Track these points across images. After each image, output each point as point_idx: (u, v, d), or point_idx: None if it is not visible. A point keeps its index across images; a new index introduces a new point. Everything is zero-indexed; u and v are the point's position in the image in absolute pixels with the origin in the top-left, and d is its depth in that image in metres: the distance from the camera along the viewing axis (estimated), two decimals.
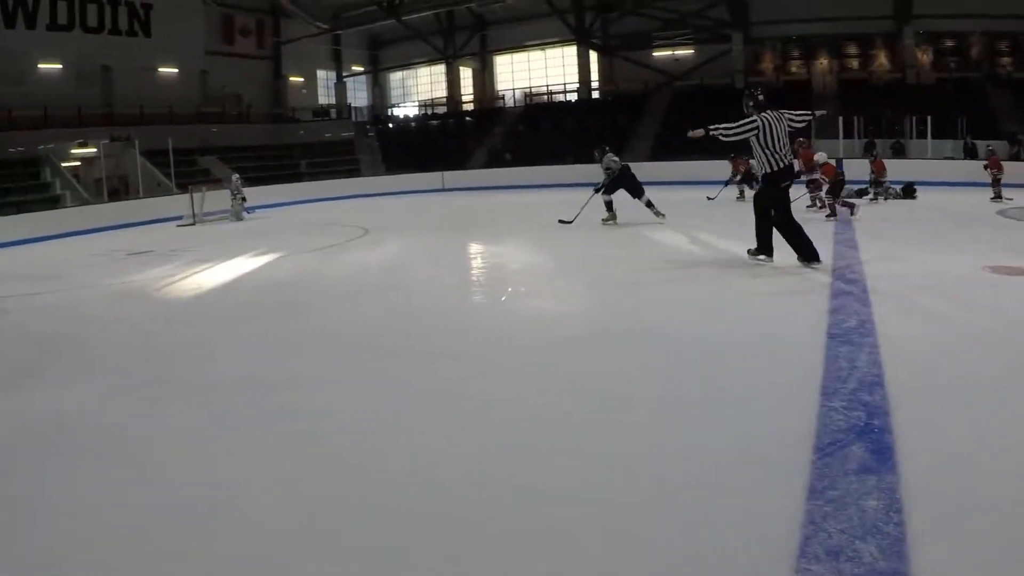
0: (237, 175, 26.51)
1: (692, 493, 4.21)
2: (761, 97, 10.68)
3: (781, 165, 10.38)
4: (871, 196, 20.88)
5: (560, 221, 13.91)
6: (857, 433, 4.72)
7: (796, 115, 10.85)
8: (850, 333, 7.12)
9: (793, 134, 10.80)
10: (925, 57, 35.04)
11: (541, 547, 3.76)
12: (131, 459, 5.28)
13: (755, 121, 10.39)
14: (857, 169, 24.38)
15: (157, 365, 7.90)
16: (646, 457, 4.75)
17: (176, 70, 38.10)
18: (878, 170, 21.00)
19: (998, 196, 19.85)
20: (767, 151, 10.36)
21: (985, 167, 20.82)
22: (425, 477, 4.64)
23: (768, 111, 10.49)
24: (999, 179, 20.15)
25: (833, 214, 16.80)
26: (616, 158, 18.03)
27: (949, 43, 35.11)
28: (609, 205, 17.65)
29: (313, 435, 5.56)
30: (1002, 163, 20.82)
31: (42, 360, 8.43)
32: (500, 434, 5.36)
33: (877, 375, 5.85)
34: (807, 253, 10.55)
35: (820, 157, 18.19)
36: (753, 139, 10.42)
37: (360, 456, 5.08)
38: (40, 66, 32.97)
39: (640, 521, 3.95)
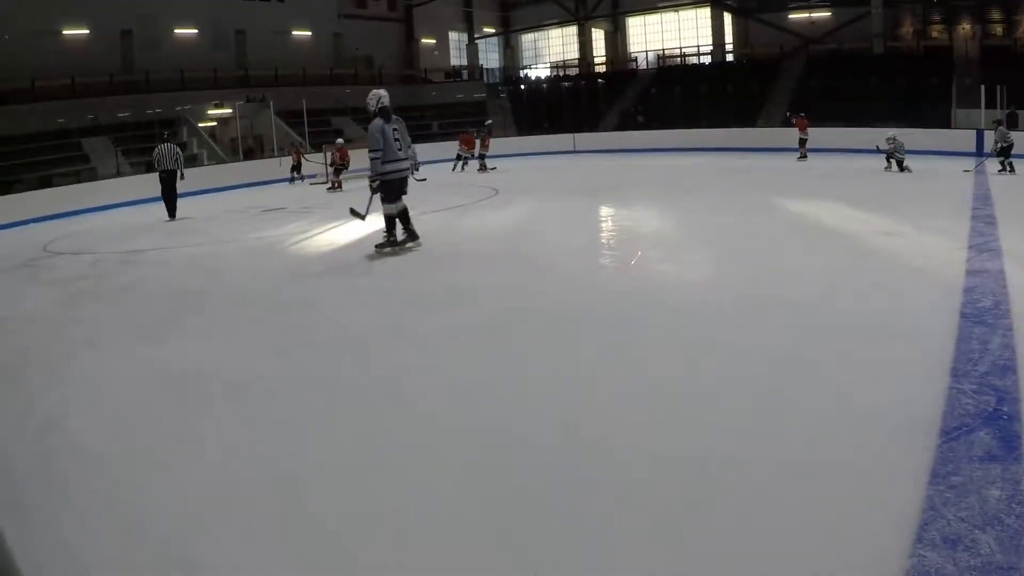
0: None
1: (813, 469, 4.20)
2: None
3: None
4: (1000, 167, 20.13)
5: (352, 211, 12.39)
6: (985, 419, 4.60)
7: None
8: (984, 314, 6.89)
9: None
10: None
11: (654, 514, 3.83)
12: (265, 409, 5.58)
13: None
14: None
15: (289, 318, 8.24)
16: (768, 430, 4.76)
17: (309, 33, 38.87)
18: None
19: (803, 156, 25.48)
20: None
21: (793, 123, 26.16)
22: (554, 441, 4.75)
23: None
24: (805, 140, 25.68)
25: None
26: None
27: None
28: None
29: (432, 392, 5.73)
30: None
31: (182, 312, 8.88)
32: (618, 396, 5.44)
33: (1010, 359, 5.65)
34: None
35: None
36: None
37: (482, 415, 5.22)
38: (176, 31, 34.02)
39: (757, 495, 3.97)
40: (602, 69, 47.28)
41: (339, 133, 32.56)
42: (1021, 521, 3.46)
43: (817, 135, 27.51)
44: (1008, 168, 20.05)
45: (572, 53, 49.60)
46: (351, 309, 8.64)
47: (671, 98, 38.01)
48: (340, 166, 23.33)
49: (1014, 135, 20.78)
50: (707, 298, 8.32)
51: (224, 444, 4.98)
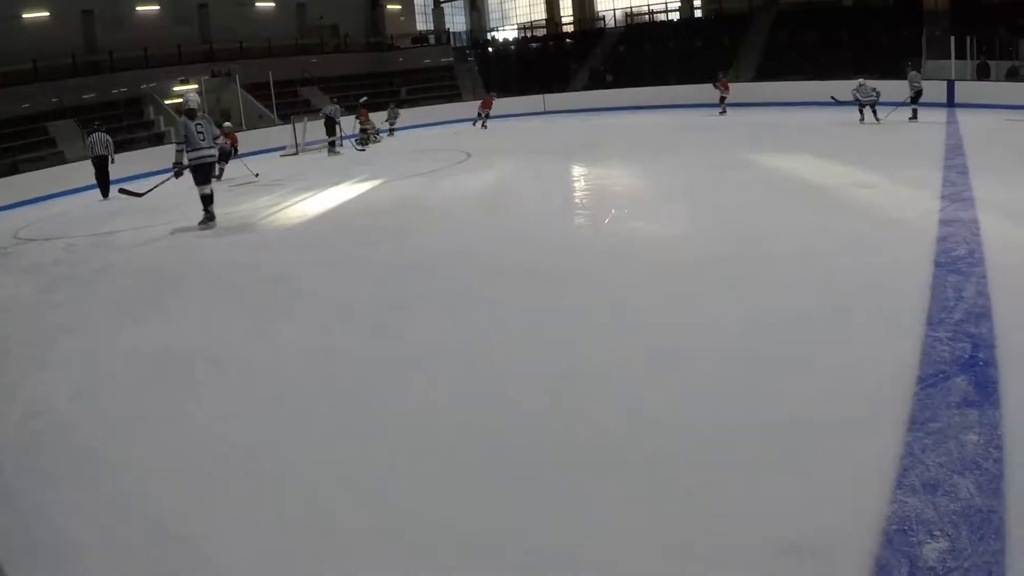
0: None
1: (793, 420, 4.28)
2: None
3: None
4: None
5: (122, 191, 14.13)
6: (961, 365, 4.69)
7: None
8: (958, 262, 6.98)
9: None
10: None
11: (641, 472, 3.90)
12: (248, 383, 5.61)
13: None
14: (972, 91, 23.72)
15: (270, 292, 8.25)
16: (750, 383, 4.83)
17: (273, 4, 38.34)
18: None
19: (724, 112, 27.33)
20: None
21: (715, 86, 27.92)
22: (538, 404, 4.80)
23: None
24: (725, 98, 27.74)
25: None
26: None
27: None
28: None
29: (417, 358, 5.78)
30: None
31: (160, 291, 8.84)
32: (600, 355, 5.52)
33: (984, 307, 5.76)
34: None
35: None
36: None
37: (462, 377, 5.27)
38: (138, 8, 33.52)
39: (741, 448, 4.05)
40: (570, 29, 47.00)
41: (306, 104, 32.37)
42: (999, 465, 3.54)
43: (789, 89, 27.68)
44: (913, 115, 20.62)
45: (539, 14, 49.29)
46: (330, 280, 8.64)
47: (640, 56, 37.81)
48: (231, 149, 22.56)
49: (986, 84, 20.89)
50: (684, 255, 8.39)
51: (211, 421, 5.00)
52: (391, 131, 29.51)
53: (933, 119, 20.43)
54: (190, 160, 12.67)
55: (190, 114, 12.79)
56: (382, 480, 4.03)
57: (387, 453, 4.31)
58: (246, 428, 4.82)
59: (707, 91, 28.88)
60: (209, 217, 12.79)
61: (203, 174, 12.79)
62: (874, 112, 20.53)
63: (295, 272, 9.14)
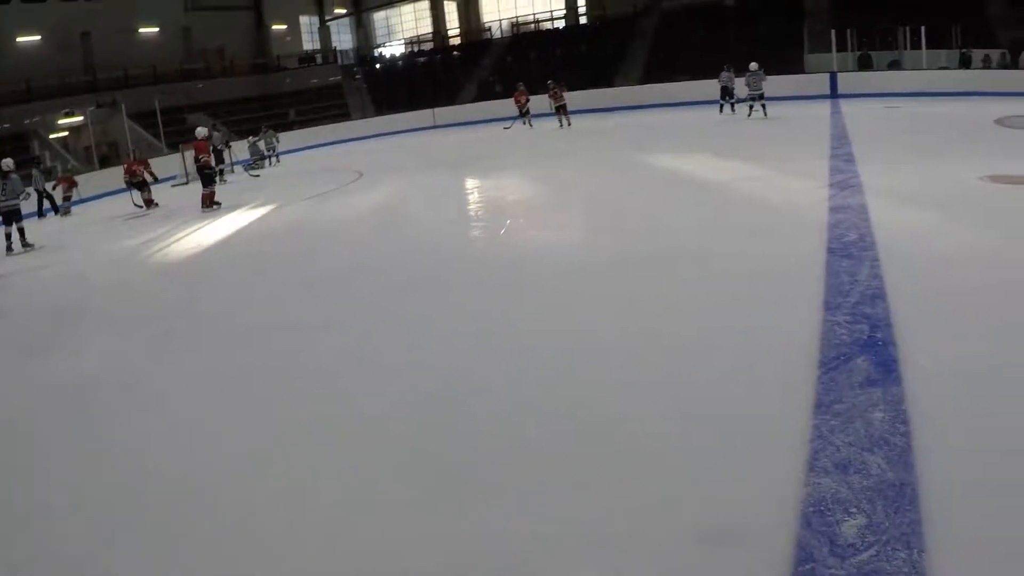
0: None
1: (704, 414, 4.28)
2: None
3: None
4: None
5: None
6: (861, 346, 4.76)
7: None
8: (850, 247, 7.12)
9: None
10: None
11: (560, 466, 3.89)
12: (153, 411, 5.43)
13: None
14: (855, 82, 24.44)
15: (170, 321, 8.00)
16: (659, 379, 4.84)
17: (157, 29, 37.54)
18: None
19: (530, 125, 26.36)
20: None
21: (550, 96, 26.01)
22: (445, 412, 4.72)
23: None
24: (562, 106, 25.72)
25: None
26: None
27: None
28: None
29: (325, 373, 5.69)
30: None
31: (61, 327, 8.54)
32: (508, 358, 5.50)
33: (879, 288, 5.87)
34: None
35: None
36: None
37: (375, 388, 5.16)
38: (19, 40, 32.47)
39: (654, 440, 4.05)
40: (456, 41, 47.10)
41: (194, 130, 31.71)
42: (906, 439, 3.58)
43: (677, 89, 28.22)
44: (732, 109, 21.86)
45: (426, 28, 49.22)
46: (228, 305, 8.44)
47: (527, 65, 38.06)
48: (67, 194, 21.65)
49: (867, 75, 21.53)
50: (584, 258, 8.41)
51: (121, 447, 4.85)
52: (264, 158, 27.67)
53: (818, 111, 20.95)
54: None
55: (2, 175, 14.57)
56: (310, 493, 3.94)
57: (310, 468, 4.20)
58: (162, 453, 4.67)
59: (595, 96, 29.22)
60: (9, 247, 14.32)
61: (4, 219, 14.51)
62: (763, 107, 20.94)
63: (193, 300, 8.92)
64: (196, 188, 18.14)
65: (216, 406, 5.41)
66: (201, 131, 18.08)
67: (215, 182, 17.49)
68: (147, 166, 19.56)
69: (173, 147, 27.76)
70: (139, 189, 18.90)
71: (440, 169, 19.11)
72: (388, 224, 12.39)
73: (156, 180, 19.67)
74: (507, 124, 26.91)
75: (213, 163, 18.64)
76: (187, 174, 24.11)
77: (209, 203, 16.66)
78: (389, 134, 31.60)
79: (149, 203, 18.67)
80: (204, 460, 4.53)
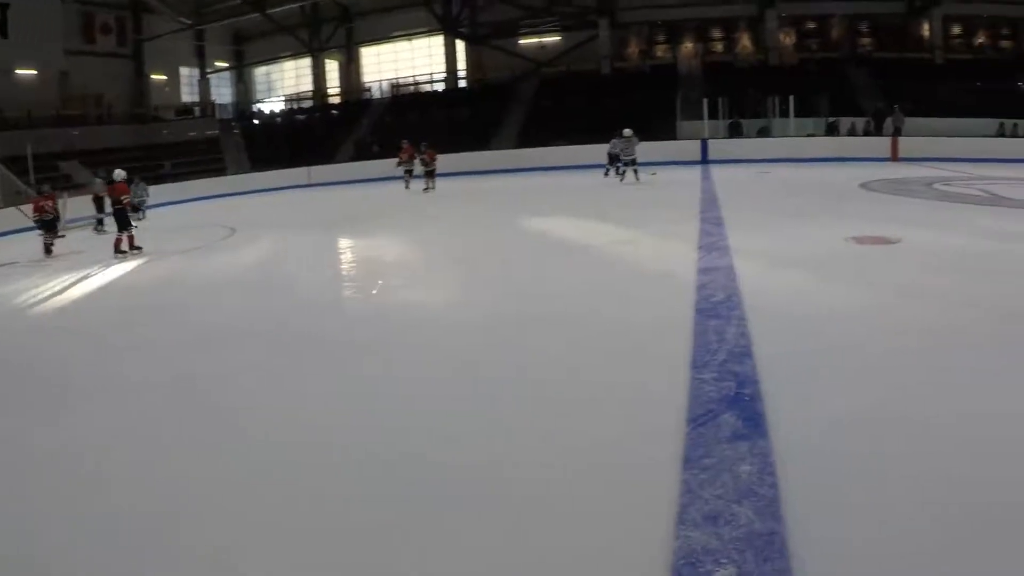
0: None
1: (575, 467, 4.28)
2: None
3: None
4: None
5: None
6: (728, 402, 4.84)
7: None
8: (718, 307, 7.29)
9: None
10: (788, 39, 36.00)
11: (422, 522, 3.81)
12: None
13: None
14: (725, 148, 25.26)
15: (37, 380, 7.53)
16: (526, 433, 4.83)
17: (35, 72, 36.44)
18: None
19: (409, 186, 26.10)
20: None
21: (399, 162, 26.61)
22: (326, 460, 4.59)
23: None
24: (433, 171, 25.45)
25: None
26: None
27: (811, 25, 36.30)
28: None
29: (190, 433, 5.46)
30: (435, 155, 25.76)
31: None
32: (388, 419, 5.38)
33: (746, 346, 6.01)
34: None
35: None
36: None
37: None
38: None
39: (526, 495, 4.01)
40: (336, 100, 47.07)
41: (67, 178, 30.76)
42: (773, 490, 3.63)
43: (553, 153, 28.80)
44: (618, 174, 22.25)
45: (307, 85, 49.05)
46: (110, 363, 7.96)
47: (406, 125, 38.14)
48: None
49: (738, 141, 22.25)
50: (456, 318, 8.38)
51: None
52: (135, 210, 26.09)
53: (689, 176, 21.54)
54: None
55: None
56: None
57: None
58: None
59: (472, 158, 29.52)
60: None
61: None
62: (635, 172, 21.37)
63: (67, 357, 8.40)
64: (69, 239, 17.53)
65: (87, 465, 5.12)
66: (119, 173, 17.07)
67: (133, 225, 16.66)
68: (55, 201, 18.35)
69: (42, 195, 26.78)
70: (48, 230, 17.68)
71: (314, 228, 18.77)
72: (258, 284, 12.04)
73: (59, 218, 18.55)
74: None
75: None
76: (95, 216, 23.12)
77: (130, 246, 15.93)
78: (265, 191, 31.17)
79: (50, 249, 17.42)
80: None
